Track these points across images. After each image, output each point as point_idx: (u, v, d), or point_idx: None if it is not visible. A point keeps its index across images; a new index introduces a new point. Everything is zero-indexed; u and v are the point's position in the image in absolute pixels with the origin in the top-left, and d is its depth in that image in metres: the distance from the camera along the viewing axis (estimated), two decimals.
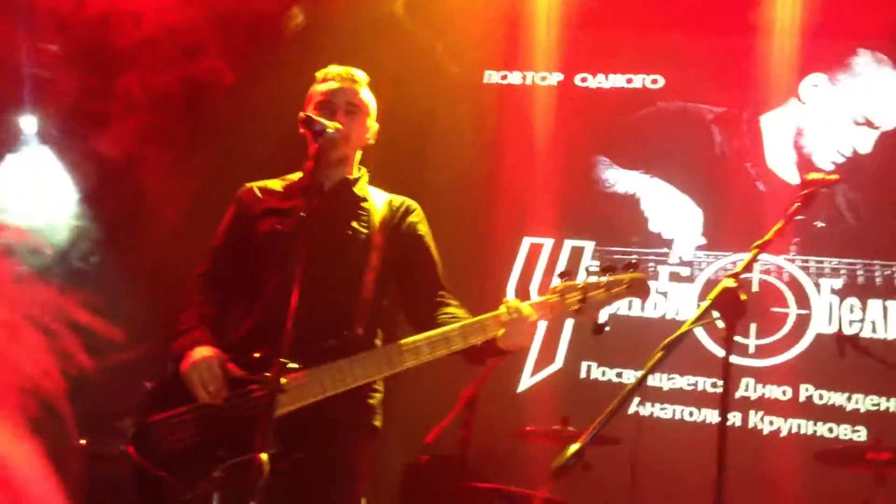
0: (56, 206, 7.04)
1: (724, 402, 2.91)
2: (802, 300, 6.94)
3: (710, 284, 7.00)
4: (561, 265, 7.29)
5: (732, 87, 7.41)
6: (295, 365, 2.88)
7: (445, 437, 5.78)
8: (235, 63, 6.89)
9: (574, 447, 2.48)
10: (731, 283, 2.84)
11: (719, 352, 6.64)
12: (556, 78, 7.78)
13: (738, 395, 6.73)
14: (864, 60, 7.27)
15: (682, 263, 7.23)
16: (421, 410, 6.18)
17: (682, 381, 6.92)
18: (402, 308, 3.58)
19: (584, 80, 7.76)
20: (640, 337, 6.62)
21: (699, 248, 7.23)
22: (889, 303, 6.80)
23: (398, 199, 3.63)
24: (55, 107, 6.89)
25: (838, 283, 6.92)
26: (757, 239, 3.06)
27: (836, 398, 6.68)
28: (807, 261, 7.00)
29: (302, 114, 3.33)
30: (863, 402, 6.63)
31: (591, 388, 7.01)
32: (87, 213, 7.05)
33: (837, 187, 6.87)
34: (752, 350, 6.84)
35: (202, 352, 3.27)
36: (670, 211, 7.38)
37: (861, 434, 6.54)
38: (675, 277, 7.20)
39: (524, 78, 7.85)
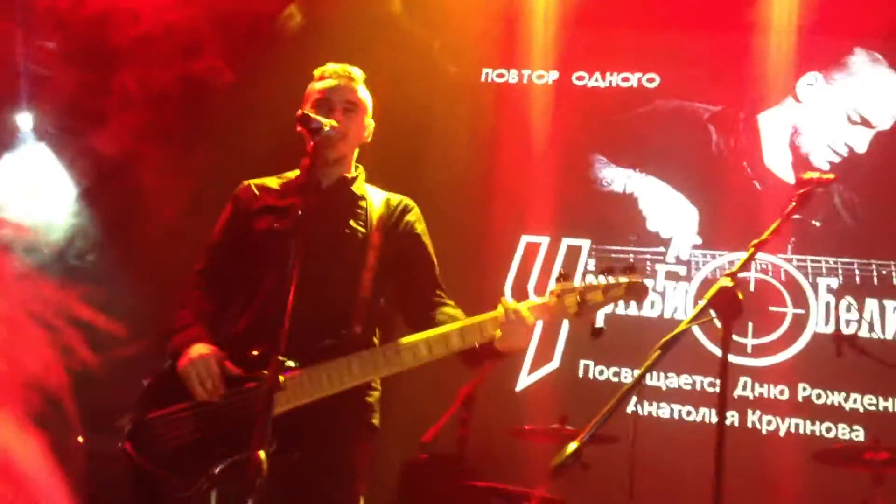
0: (53, 204, 7.03)
1: (722, 402, 2.91)
2: (799, 299, 6.94)
3: (707, 283, 6.99)
4: (558, 264, 7.29)
5: (729, 85, 7.42)
6: (292, 363, 2.88)
7: (443, 435, 5.77)
8: (233, 62, 6.89)
9: (572, 446, 2.48)
10: (728, 282, 2.85)
11: (717, 351, 6.65)
12: (552, 76, 7.78)
13: (735, 394, 6.74)
14: (860, 59, 7.28)
15: (679, 262, 7.23)
16: (419, 409, 6.17)
17: (679, 381, 6.92)
18: (398, 307, 3.58)
19: (580, 78, 7.77)
20: (637, 336, 6.63)
21: (696, 246, 7.24)
22: (886, 302, 6.80)
23: (395, 198, 3.63)
24: (52, 104, 6.89)
25: (835, 282, 6.92)
26: (753, 238, 3.06)
27: (834, 398, 6.68)
28: (804, 260, 7.00)
29: (299, 112, 3.32)
30: (861, 402, 6.63)
31: (589, 386, 7.01)
32: (85, 211, 7.05)
33: (834, 186, 6.87)
34: (749, 349, 6.85)
35: (200, 349, 3.27)
36: (667, 210, 7.38)
37: (859, 434, 6.55)
38: (671, 276, 7.20)
39: (521, 76, 7.85)
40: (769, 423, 6.71)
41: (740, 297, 2.83)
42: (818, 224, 7.04)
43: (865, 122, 7.17)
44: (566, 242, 7.40)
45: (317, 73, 3.62)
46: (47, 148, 7.13)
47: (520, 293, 7.08)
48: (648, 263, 7.22)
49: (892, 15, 6.79)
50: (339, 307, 3.34)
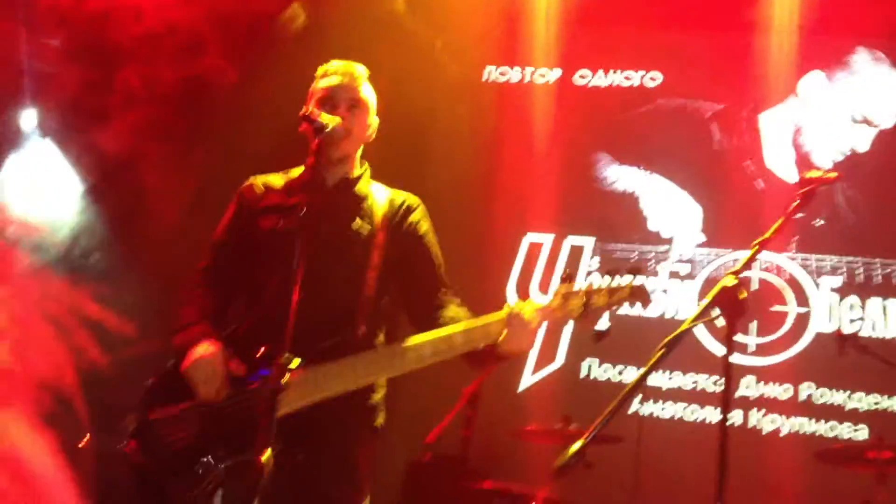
0: (59, 201, 7.03)
1: (726, 401, 2.91)
2: (802, 298, 6.94)
3: (710, 282, 6.99)
4: (561, 263, 7.28)
5: (731, 84, 7.41)
6: (298, 362, 2.87)
7: (447, 436, 5.77)
8: (236, 60, 6.89)
9: (575, 446, 2.48)
10: (731, 281, 2.84)
11: (720, 350, 6.65)
12: (555, 75, 7.78)
13: (738, 393, 6.73)
14: (862, 58, 7.27)
15: (682, 261, 7.23)
16: (422, 409, 6.17)
17: (682, 380, 6.92)
18: (402, 307, 3.56)
19: (583, 77, 7.77)
20: (640, 335, 6.59)
21: (699, 245, 7.23)
22: (889, 301, 6.80)
23: (400, 196, 3.59)
24: (56, 101, 6.88)
25: (838, 281, 6.92)
26: (756, 237, 3.06)
27: (837, 397, 6.68)
28: (807, 259, 7.00)
29: (303, 110, 3.30)
30: (863, 401, 6.63)
31: (593, 386, 7.01)
32: (90, 208, 7.04)
33: (837, 185, 6.86)
34: (752, 348, 6.84)
35: (204, 348, 3.24)
36: (670, 208, 7.37)
37: (862, 433, 6.54)
38: (675, 275, 7.19)
39: (523, 75, 7.85)
40: (772, 422, 6.71)
41: (743, 296, 2.83)
42: (821, 223, 7.04)
43: (868, 121, 7.16)
44: (569, 241, 7.39)
45: (320, 70, 3.59)
46: (52, 145, 7.12)
47: (523, 293, 7.07)
48: (651, 262, 7.21)
49: (894, 14, 6.79)
50: (343, 307, 3.33)
